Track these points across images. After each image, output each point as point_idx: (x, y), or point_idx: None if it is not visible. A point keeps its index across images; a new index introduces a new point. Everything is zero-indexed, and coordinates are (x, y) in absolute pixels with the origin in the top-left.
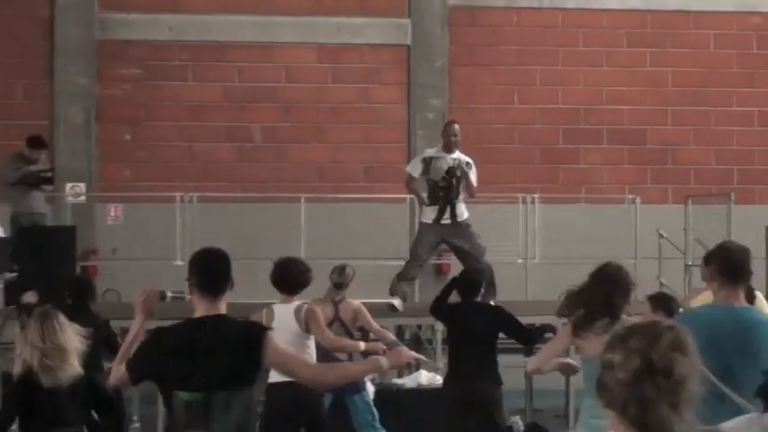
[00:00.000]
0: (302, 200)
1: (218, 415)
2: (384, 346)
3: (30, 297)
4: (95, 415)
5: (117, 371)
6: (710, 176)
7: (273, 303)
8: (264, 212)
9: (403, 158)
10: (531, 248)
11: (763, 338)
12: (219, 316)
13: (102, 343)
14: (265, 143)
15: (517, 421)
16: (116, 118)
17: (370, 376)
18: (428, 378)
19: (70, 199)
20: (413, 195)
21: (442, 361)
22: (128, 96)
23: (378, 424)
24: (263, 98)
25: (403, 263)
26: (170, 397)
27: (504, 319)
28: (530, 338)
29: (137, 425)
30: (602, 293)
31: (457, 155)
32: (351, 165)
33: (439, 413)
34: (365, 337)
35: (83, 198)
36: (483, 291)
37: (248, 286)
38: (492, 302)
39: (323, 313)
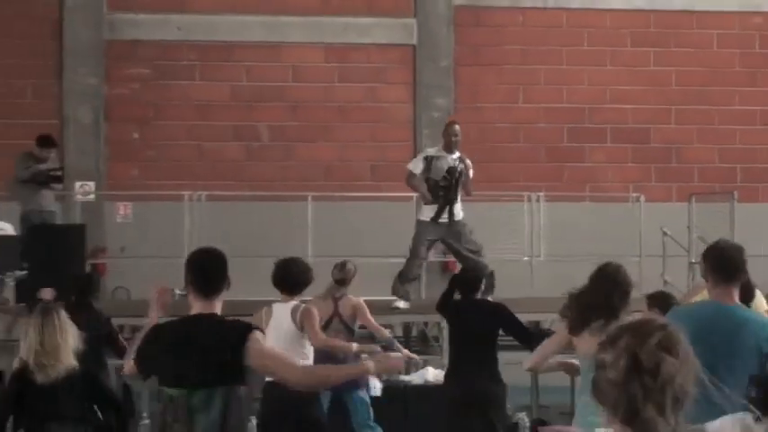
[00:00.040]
0: (309, 198)
1: (200, 411)
2: (378, 348)
3: (47, 294)
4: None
5: (127, 364)
6: (714, 175)
7: (274, 302)
8: (272, 211)
9: (409, 157)
10: (537, 246)
11: (748, 336)
12: (209, 314)
13: (105, 340)
14: (273, 142)
15: (523, 418)
16: (125, 117)
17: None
18: (435, 375)
19: (79, 197)
20: (415, 191)
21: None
22: (136, 96)
23: (372, 422)
24: (271, 97)
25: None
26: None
27: (503, 317)
28: (529, 338)
29: (146, 421)
30: (601, 294)
31: (457, 155)
32: (357, 163)
33: (445, 410)
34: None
35: (92, 196)
36: (483, 288)
37: (254, 284)
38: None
39: (323, 309)
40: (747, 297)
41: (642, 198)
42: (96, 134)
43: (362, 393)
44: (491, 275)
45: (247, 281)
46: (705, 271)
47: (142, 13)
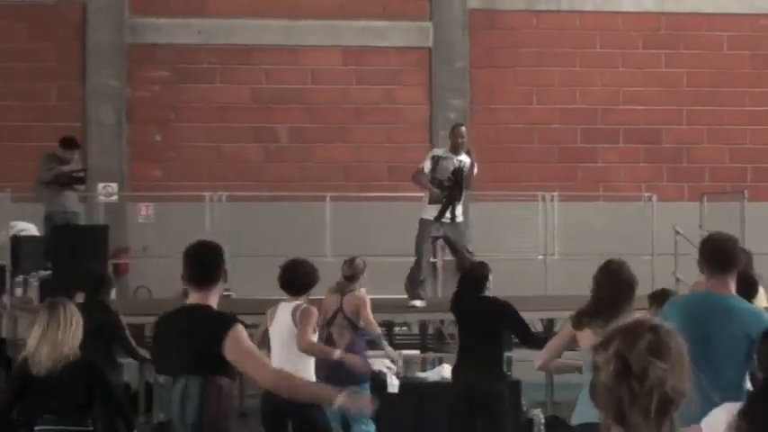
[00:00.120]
0: (327, 199)
1: (181, 399)
2: (359, 361)
3: (79, 298)
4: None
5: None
6: (725, 174)
7: (281, 301)
8: (291, 211)
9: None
10: (551, 245)
11: (738, 324)
12: (200, 306)
13: (114, 338)
14: (291, 143)
15: (537, 414)
16: (146, 119)
17: (394, 369)
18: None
19: (102, 198)
20: (419, 186)
21: None
22: (157, 98)
23: (366, 420)
24: (290, 100)
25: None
26: None
27: (508, 316)
28: (531, 339)
29: (161, 415)
30: (604, 290)
31: (463, 156)
32: (375, 164)
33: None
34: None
35: (115, 197)
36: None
37: (273, 283)
38: None
39: (331, 305)
40: (750, 293)
41: (654, 197)
42: (119, 136)
43: (361, 389)
44: None
45: (266, 280)
46: (701, 263)
47: (163, 17)
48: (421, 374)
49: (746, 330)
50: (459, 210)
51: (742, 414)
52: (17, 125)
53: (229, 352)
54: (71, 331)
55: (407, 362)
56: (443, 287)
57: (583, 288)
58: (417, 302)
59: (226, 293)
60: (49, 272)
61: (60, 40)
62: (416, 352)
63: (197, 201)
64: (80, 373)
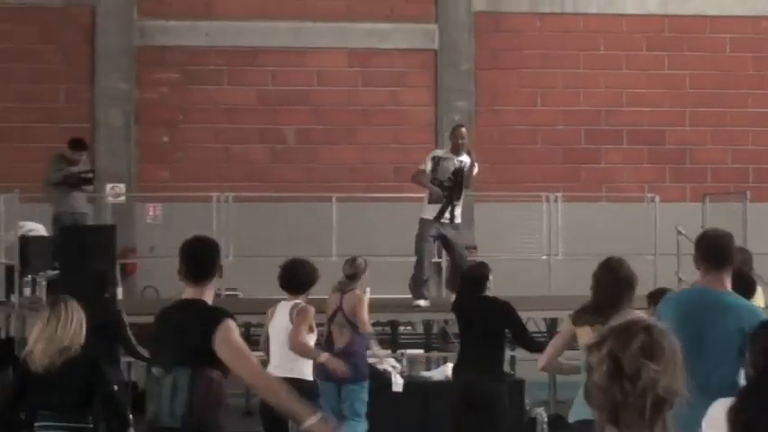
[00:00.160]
0: (333, 199)
1: (171, 391)
2: (342, 368)
3: None
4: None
5: None
6: (727, 175)
7: (281, 300)
8: (297, 212)
9: None
10: (555, 245)
11: (732, 319)
12: (194, 300)
13: (115, 335)
14: (298, 145)
15: (541, 413)
16: (154, 121)
17: (398, 368)
18: None
19: (110, 199)
20: (419, 185)
21: None
22: (165, 100)
23: (357, 418)
24: (296, 101)
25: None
26: None
27: (508, 317)
28: (528, 341)
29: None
30: (603, 287)
31: (464, 157)
32: (380, 165)
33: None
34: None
35: (122, 198)
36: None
37: None
38: None
39: (333, 304)
40: (748, 292)
41: (657, 198)
42: (127, 137)
43: (360, 388)
44: None
45: (272, 280)
46: (696, 259)
47: (171, 19)
48: (425, 374)
49: (740, 325)
50: (458, 211)
51: (733, 410)
52: (26, 127)
53: (217, 345)
54: (71, 328)
55: (412, 361)
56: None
57: (586, 288)
58: (422, 302)
59: (232, 293)
60: (57, 272)
61: (69, 42)
62: (420, 351)
63: (204, 201)
64: (80, 370)
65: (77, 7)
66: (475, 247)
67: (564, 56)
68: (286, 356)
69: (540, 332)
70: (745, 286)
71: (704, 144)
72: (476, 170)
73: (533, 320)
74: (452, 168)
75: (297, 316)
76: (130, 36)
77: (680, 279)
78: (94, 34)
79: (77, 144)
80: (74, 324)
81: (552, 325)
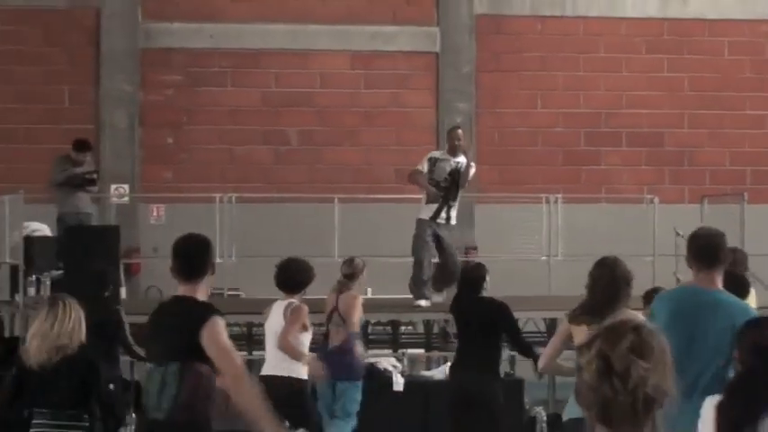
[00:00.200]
0: (336, 200)
1: (162, 384)
2: (319, 372)
3: None
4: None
5: None
6: (725, 177)
7: (277, 300)
8: (300, 212)
9: None
10: (555, 246)
11: (724, 317)
12: (186, 297)
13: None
14: (301, 146)
15: (540, 412)
16: (158, 122)
17: (399, 368)
18: None
19: (114, 200)
20: (416, 185)
21: None
22: (170, 102)
23: (347, 417)
24: (299, 103)
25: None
26: None
27: (504, 319)
28: (520, 345)
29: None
30: (599, 286)
31: (460, 158)
32: (382, 167)
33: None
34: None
35: (126, 199)
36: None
37: None
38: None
39: (330, 304)
40: (741, 293)
41: (656, 200)
42: (131, 139)
43: (353, 387)
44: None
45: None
46: (689, 258)
47: (176, 22)
48: (426, 373)
49: (732, 322)
50: (453, 212)
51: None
52: (31, 128)
53: (204, 342)
54: (69, 326)
55: (413, 361)
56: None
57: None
58: (422, 302)
59: (235, 293)
60: (61, 272)
61: (74, 44)
62: (421, 351)
63: (207, 202)
64: (76, 368)
65: (82, 9)
66: (475, 248)
67: (564, 58)
68: (281, 356)
69: (539, 332)
70: (739, 287)
71: (703, 146)
72: (472, 170)
73: (533, 321)
74: (449, 169)
75: (290, 315)
76: (135, 38)
77: (678, 279)
78: (99, 36)
79: (82, 145)
80: (72, 322)
81: (552, 325)
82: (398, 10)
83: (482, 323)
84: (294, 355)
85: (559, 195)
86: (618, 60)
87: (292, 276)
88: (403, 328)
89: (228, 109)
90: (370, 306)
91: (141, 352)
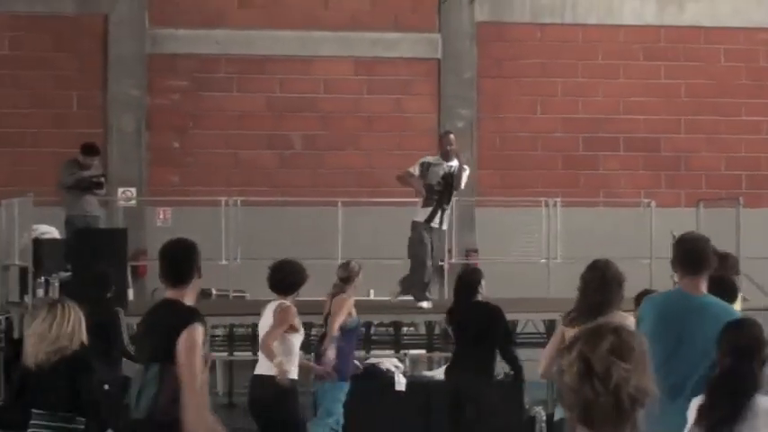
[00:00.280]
0: (339, 204)
1: (138, 385)
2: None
3: None
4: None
5: None
6: (721, 182)
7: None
8: (303, 215)
9: None
10: (554, 249)
11: (709, 320)
12: (171, 300)
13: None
14: (305, 150)
15: (539, 411)
16: (165, 126)
17: (401, 368)
18: None
19: (122, 203)
20: (404, 185)
21: None
22: (176, 106)
23: (327, 416)
24: (303, 108)
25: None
26: None
27: (497, 326)
28: (508, 353)
29: None
30: (591, 289)
31: (453, 162)
32: (385, 171)
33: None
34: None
35: (134, 202)
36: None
37: None
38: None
39: (326, 306)
40: (729, 297)
41: (653, 203)
42: (138, 143)
43: (336, 387)
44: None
45: None
46: (674, 263)
47: (182, 28)
48: (427, 373)
49: (719, 326)
50: (446, 216)
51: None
52: (40, 132)
53: (179, 345)
54: (68, 328)
55: (414, 361)
56: (450, 290)
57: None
58: (424, 304)
59: (240, 294)
60: (69, 273)
61: (82, 50)
62: (423, 352)
63: (213, 205)
64: (69, 370)
65: (90, 16)
66: (476, 250)
67: (563, 65)
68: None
69: (538, 333)
70: (727, 291)
71: (699, 151)
72: (466, 173)
73: (532, 322)
74: (442, 173)
75: (277, 316)
76: (142, 44)
77: (675, 282)
78: (107, 42)
79: (90, 149)
80: (71, 324)
81: (551, 326)
82: (401, 17)
83: (478, 327)
84: (268, 355)
85: (558, 199)
86: (616, 67)
87: (285, 278)
88: (405, 329)
89: (234, 114)
90: (372, 307)
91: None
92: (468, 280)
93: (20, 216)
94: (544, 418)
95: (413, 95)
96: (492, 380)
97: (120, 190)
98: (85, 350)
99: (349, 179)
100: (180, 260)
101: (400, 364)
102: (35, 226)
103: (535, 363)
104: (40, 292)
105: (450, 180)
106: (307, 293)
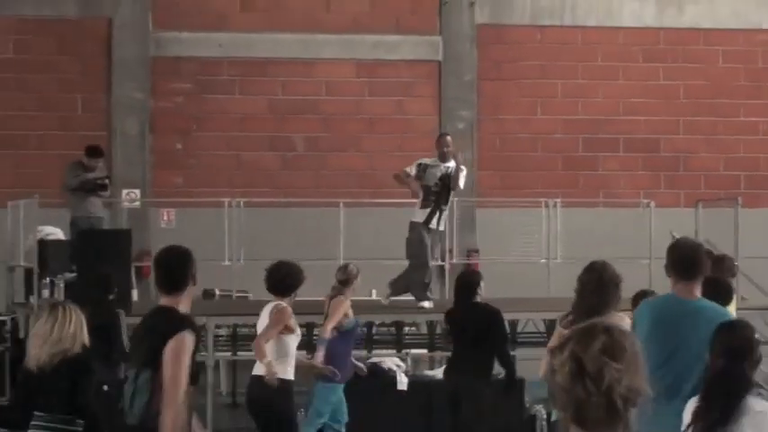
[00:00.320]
0: (341, 205)
1: (131, 390)
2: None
3: None
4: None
5: None
6: (719, 182)
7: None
8: (306, 216)
9: None
10: (554, 249)
11: (703, 323)
12: (165, 308)
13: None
14: (307, 152)
15: (540, 410)
16: (169, 129)
17: (403, 367)
18: None
19: (126, 204)
20: (400, 184)
21: None
22: (179, 109)
23: (316, 416)
24: (305, 110)
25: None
26: None
27: (495, 328)
28: (504, 356)
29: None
30: (587, 291)
31: (450, 163)
32: (386, 172)
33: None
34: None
35: (138, 203)
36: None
37: None
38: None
39: (325, 308)
40: (725, 300)
41: (652, 204)
42: (142, 145)
43: (328, 389)
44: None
45: None
46: (668, 268)
47: (185, 31)
48: (429, 372)
49: (712, 328)
50: (444, 218)
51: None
52: (45, 134)
53: (165, 352)
54: (69, 330)
55: (416, 361)
56: (451, 289)
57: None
58: (426, 304)
59: (243, 294)
60: (74, 274)
61: (86, 53)
62: (424, 351)
63: (216, 207)
64: (69, 372)
65: (94, 19)
66: (477, 251)
67: (563, 67)
68: (269, 356)
69: (539, 332)
70: (722, 293)
71: (698, 152)
72: (463, 173)
73: (533, 321)
74: (439, 174)
75: (273, 317)
76: (146, 47)
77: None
78: (111, 45)
79: (94, 151)
80: (73, 326)
81: (551, 326)
82: (402, 19)
83: (477, 329)
84: (258, 355)
85: (558, 200)
86: (615, 69)
87: (282, 280)
88: (407, 328)
89: (237, 116)
90: (374, 307)
91: None
92: (467, 282)
93: (25, 217)
94: (545, 416)
95: (414, 97)
96: (488, 379)
97: (125, 191)
98: (87, 353)
99: (351, 180)
100: (174, 267)
101: (402, 364)
102: (40, 227)
103: (535, 362)
104: (46, 293)
105: (448, 181)
106: (309, 294)
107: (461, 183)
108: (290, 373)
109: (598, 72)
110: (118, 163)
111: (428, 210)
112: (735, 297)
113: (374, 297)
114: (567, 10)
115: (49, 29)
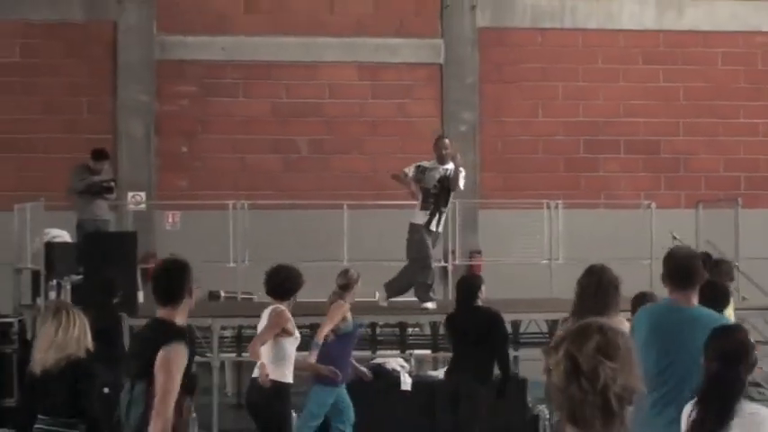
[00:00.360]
0: (344, 207)
1: (125, 403)
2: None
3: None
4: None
5: None
6: (720, 183)
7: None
8: (309, 218)
9: None
10: (555, 250)
11: (699, 330)
12: (161, 320)
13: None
14: (310, 154)
15: (543, 410)
16: (174, 132)
17: (407, 368)
18: None
19: (131, 207)
20: (398, 183)
21: None
22: (184, 112)
23: (309, 417)
24: (308, 113)
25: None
26: None
27: (496, 332)
28: (503, 359)
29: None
30: (587, 294)
31: (449, 165)
32: (388, 174)
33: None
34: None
35: (143, 206)
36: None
37: None
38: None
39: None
40: (722, 304)
41: (653, 205)
42: (147, 148)
43: (325, 391)
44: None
45: None
46: (664, 277)
47: (190, 35)
48: (432, 373)
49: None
50: (442, 220)
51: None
52: (51, 137)
53: (156, 361)
54: (74, 333)
55: (420, 361)
56: (453, 290)
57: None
58: (429, 305)
59: (248, 296)
60: (80, 276)
61: (92, 56)
62: (428, 352)
63: (221, 209)
64: (71, 376)
65: (99, 23)
66: (479, 252)
67: (564, 69)
68: (266, 359)
69: (541, 333)
70: (720, 297)
71: (698, 153)
72: (462, 174)
73: (535, 322)
74: (438, 177)
75: (271, 320)
76: (151, 50)
77: None
78: (116, 49)
79: (100, 154)
80: (77, 329)
81: (553, 326)
82: (404, 23)
83: (478, 332)
84: (253, 356)
85: (560, 201)
86: (615, 71)
87: (281, 283)
88: (410, 329)
89: (240, 119)
90: (377, 308)
91: None
92: (468, 286)
93: (32, 220)
94: (547, 416)
95: (416, 100)
96: (487, 381)
97: (130, 194)
98: (91, 357)
99: (354, 182)
100: (171, 280)
101: (406, 364)
102: (47, 230)
103: (537, 363)
104: (53, 295)
105: (447, 183)
106: (312, 295)
107: (461, 184)
108: (287, 377)
109: (599, 74)
110: (123, 166)
111: (428, 212)
112: (732, 301)
113: (377, 298)
114: (567, 13)
115: (55, 33)
